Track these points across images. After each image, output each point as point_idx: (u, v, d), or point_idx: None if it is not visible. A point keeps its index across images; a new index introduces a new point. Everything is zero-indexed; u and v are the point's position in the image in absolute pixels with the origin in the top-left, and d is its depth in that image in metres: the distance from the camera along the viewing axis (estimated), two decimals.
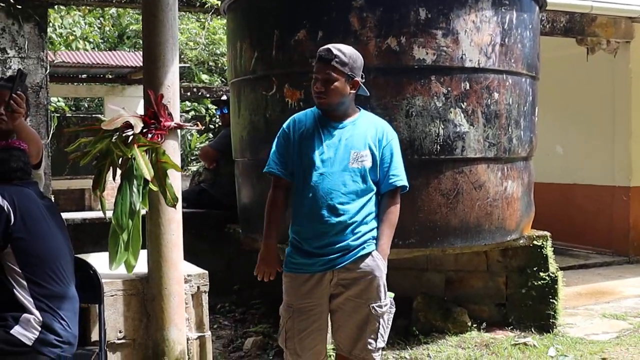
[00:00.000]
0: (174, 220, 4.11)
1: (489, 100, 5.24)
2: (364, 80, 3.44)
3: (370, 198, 3.43)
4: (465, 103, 5.16)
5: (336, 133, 3.42)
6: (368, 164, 3.40)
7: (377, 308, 3.42)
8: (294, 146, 3.48)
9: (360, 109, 3.53)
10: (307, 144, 3.44)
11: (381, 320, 3.43)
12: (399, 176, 3.47)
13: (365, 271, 3.40)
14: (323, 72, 3.35)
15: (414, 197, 5.00)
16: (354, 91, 3.41)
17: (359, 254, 3.38)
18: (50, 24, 11.50)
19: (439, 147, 5.12)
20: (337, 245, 3.36)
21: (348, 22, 4.98)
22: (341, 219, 3.36)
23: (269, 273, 3.56)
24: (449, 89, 5.11)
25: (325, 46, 3.35)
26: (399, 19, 4.98)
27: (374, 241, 3.44)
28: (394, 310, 3.50)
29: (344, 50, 3.35)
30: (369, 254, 3.41)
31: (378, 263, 3.40)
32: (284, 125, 3.57)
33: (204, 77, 17.48)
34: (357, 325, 3.43)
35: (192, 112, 17.56)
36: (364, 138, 3.41)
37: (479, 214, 5.29)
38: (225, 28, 11.58)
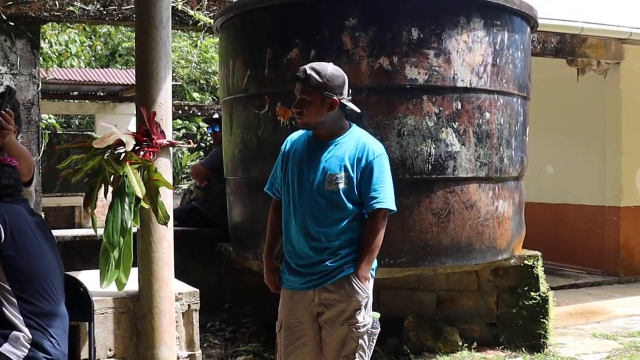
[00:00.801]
0: (165, 238, 4.08)
1: (481, 120, 5.24)
2: (349, 97, 3.39)
3: (351, 220, 3.38)
4: (457, 123, 5.16)
5: (318, 154, 3.40)
6: (343, 185, 3.35)
7: (354, 329, 3.39)
8: (284, 166, 3.50)
9: (351, 125, 3.47)
10: (292, 165, 3.44)
11: (360, 340, 3.40)
12: (379, 198, 3.36)
13: (342, 294, 3.38)
14: (299, 93, 3.35)
15: (405, 216, 4.99)
16: (332, 111, 3.35)
17: (338, 277, 3.35)
18: (46, 40, 11.44)
19: (430, 167, 5.10)
20: (317, 267, 3.37)
21: (340, 41, 4.99)
22: (318, 243, 3.36)
23: (273, 287, 3.62)
24: (441, 108, 5.10)
25: (303, 67, 3.35)
26: (392, 39, 4.98)
27: (355, 263, 3.41)
28: (377, 330, 3.48)
29: (319, 70, 3.32)
30: (348, 276, 3.37)
31: (356, 287, 3.36)
32: (282, 145, 3.61)
33: (196, 95, 17.41)
34: (338, 344, 3.43)
35: (184, 130, 17.44)
36: (341, 159, 3.36)
37: (470, 233, 5.27)
38: (217, 46, 11.35)
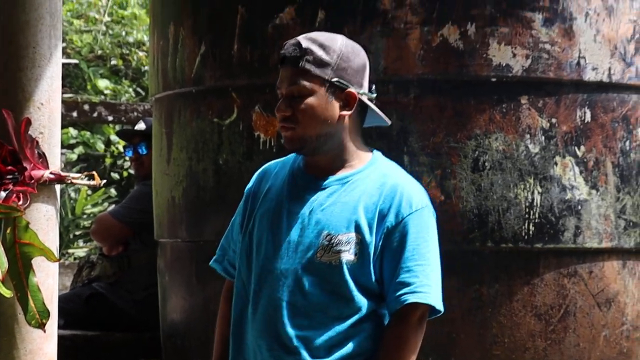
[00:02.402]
0: (41, 354, 3.31)
1: (628, 143, 4.20)
2: (374, 95, 2.79)
3: (358, 322, 2.68)
4: (583, 147, 4.06)
5: (310, 198, 2.77)
6: (351, 257, 2.66)
7: None
8: (247, 219, 2.91)
9: (372, 153, 2.82)
10: (262, 217, 2.82)
11: None
12: (416, 285, 2.64)
13: None
14: (287, 84, 2.72)
15: (485, 318, 3.94)
16: (349, 112, 2.68)
17: None
18: None
19: (532, 229, 4.01)
20: None
21: None
22: (293, 358, 2.72)
23: None
24: (554, 120, 4.01)
25: (294, 39, 2.78)
26: None
27: None
28: None
29: (323, 42, 2.72)
30: None
31: None
32: (249, 183, 3.08)
33: (103, 83, 13.04)
34: None
35: (80, 150, 12.54)
36: (351, 210, 2.70)
37: (606, 352, 4.19)
38: None
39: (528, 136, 3.93)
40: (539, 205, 3.96)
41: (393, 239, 2.69)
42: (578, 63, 3.98)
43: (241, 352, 2.84)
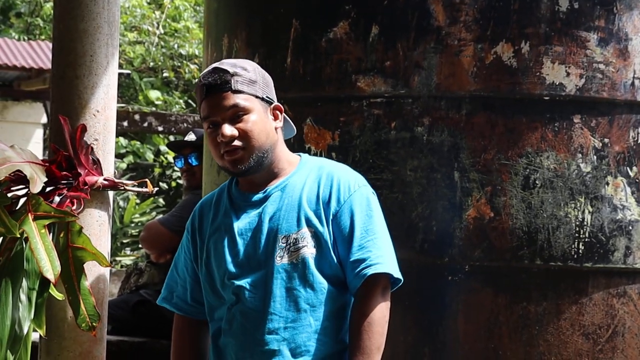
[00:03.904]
0: (90, 357, 3.40)
1: None
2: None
3: (335, 314, 2.80)
4: (635, 168, 4.05)
5: (254, 211, 2.90)
6: (310, 250, 2.77)
7: None
8: (199, 256, 2.98)
9: (300, 157, 2.98)
10: (215, 243, 2.92)
11: None
12: (372, 258, 2.74)
13: None
14: (223, 108, 2.82)
15: (531, 336, 3.90)
16: (280, 124, 2.92)
17: None
18: None
19: (582, 248, 3.98)
20: None
21: (425, 10, 3.93)
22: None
23: None
24: (607, 140, 4.00)
25: (207, 68, 2.95)
26: (520, 10, 3.92)
27: None
28: None
29: (240, 64, 2.90)
30: None
31: None
32: (187, 224, 3.11)
33: (155, 94, 12.99)
34: None
35: (129, 159, 12.60)
36: (296, 208, 2.84)
37: None
38: (199, 10, 9.74)
39: (580, 155, 3.89)
40: (589, 224, 3.92)
41: (341, 222, 2.77)
42: (632, 84, 3.95)
43: None
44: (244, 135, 2.78)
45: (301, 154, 3.02)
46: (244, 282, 2.83)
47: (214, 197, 3.05)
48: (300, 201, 2.82)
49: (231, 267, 2.85)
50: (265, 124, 2.83)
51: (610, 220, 3.93)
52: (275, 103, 2.91)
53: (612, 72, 3.89)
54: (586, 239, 3.92)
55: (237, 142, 2.78)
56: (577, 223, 3.87)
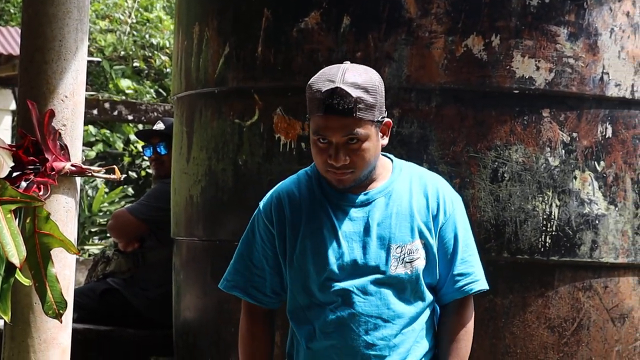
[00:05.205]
0: (55, 344, 3.34)
1: None
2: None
3: (427, 318, 2.86)
4: (603, 162, 4.10)
5: (358, 214, 2.83)
6: (422, 262, 2.78)
7: None
8: (284, 246, 2.89)
9: (390, 160, 2.91)
10: (310, 240, 2.84)
11: None
12: (475, 273, 2.82)
13: None
14: (341, 132, 2.73)
15: (498, 328, 3.99)
16: (387, 140, 2.85)
17: None
18: None
19: (549, 241, 4.03)
20: None
21: (398, 2, 3.94)
22: None
23: None
24: (575, 134, 4.06)
25: (329, 83, 2.72)
26: (492, 4, 3.96)
27: None
28: None
29: (364, 85, 2.74)
30: None
31: None
32: (261, 208, 2.96)
33: (125, 83, 13.06)
34: None
35: (99, 147, 12.56)
36: (408, 218, 2.80)
37: None
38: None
39: (548, 149, 3.94)
40: (556, 218, 3.98)
41: (445, 235, 2.82)
42: (601, 78, 3.98)
43: None
44: (355, 161, 2.78)
45: (389, 155, 3.02)
46: (350, 286, 2.86)
47: (299, 188, 3.02)
48: (411, 211, 2.85)
49: (335, 269, 2.86)
50: (376, 148, 2.84)
51: (577, 214, 3.98)
52: (387, 120, 2.90)
53: (581, 66, 3.94)
54: (553, 233, 3.97)
55: (347, 166, 2.79)
56: (545, 217, 3.93)
